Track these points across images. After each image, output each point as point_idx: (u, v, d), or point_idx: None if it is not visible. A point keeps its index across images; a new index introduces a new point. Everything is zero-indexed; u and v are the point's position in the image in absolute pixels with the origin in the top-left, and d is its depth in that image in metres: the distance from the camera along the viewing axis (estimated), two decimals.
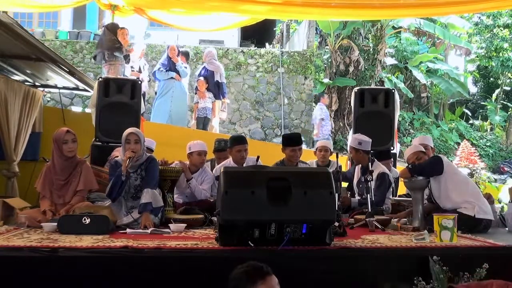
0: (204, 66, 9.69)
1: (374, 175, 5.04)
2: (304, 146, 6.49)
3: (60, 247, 3.26)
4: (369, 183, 4.66)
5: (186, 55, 9.74)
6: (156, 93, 9.53)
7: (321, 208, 3.39)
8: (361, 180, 5.33)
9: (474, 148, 11.37)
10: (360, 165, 5.45)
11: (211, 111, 9.44)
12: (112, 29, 8.58)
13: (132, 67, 9.02)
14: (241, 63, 12.95)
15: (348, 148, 5.65)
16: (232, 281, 2.44)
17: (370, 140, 5.42)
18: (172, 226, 4.10)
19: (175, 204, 4.87)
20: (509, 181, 11.93)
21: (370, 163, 4.95)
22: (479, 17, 17.31)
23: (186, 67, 9.25)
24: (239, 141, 5.42)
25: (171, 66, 9.10)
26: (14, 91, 6.15)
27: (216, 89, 9.53)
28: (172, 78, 9.03)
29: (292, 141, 5.44)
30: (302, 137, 5.85)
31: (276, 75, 12.98)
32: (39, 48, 5.59)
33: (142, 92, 8.50)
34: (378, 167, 5.28)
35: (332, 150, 6.22)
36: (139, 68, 9.17)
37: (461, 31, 16.18)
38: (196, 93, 9.46)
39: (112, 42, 8.41)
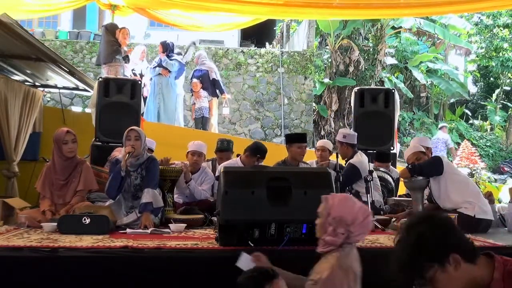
0: (195, 69, 9.68)
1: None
2: None
3: (60, 247, 3.26)
4: (369, 183, 4.67)
5: (164, 46, 9.36)
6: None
7: None
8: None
9: (475, 148, 11.39)
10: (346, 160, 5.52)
11: (208, 110, 9.42)
12: (111, 29, 8.55)
13: (133, 69, 9.01)
14: (241, 63, 12.95)
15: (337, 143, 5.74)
16: (240, 287, 2.45)
17: (356, 134, 5.58)
18: (172, 226, 4.10)
19: (175, 204, 4.87)
20: (509, 181, 11.93)
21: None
22: (479, 17, 17.32)
23: (173, 59, 9.15)
24: (258, 154, 5.33)
25: (159, 62, 9.08)
26: (14, 91, 6.15)
27: (213, 87, 9.51)
28: (160, 74, 8.98)
29: (298, 138, 5.48)
30: None
31: (276, 75, 12.98)
32: (39, 48, 5.59)
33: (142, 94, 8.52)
34: (355, 158, 5.36)
35: (331, 150, 6.22)
36: (141, 71, 9.13)
37: (461, 32, 16.17)
38: (192, 95, 9.46)
39: (111, 44, 8.38)
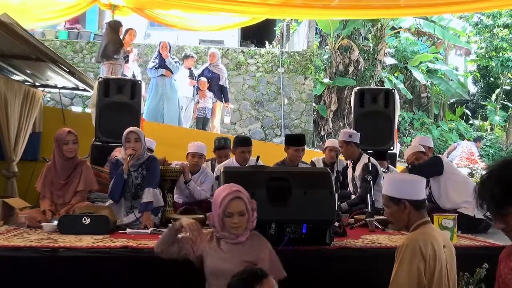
0: (207, 67, 9.65)
1: (360, 166, 5.07)
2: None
3: (60, 247, 3.26)
4: (369, 183, 4.66)
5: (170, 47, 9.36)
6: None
7: (321, 208, 3.40)
8: (354, 176, 5.34)
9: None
10: (350, 160, 5.47)
11: (210, 111, 9.42)
12: (115, 26, 8.47)
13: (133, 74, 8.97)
14: (241, 63, 12.95)
15: (338, 144, 5.62)
16: None
17: (359, 133, 5.49)
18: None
19: (175, 204, 4.87)
20: None
21: (368, 160, 4.94)
22: (479, 17, 17.32)
23: (177, 62, 9.15)
24: (243, 142, 5.37)
25: (161, 62, 8.94)
26: (14, 91, 6.14)
27: (219, 93, 9.53)
28: (162, 75, 8.89)
29: (296, 141, 5.42)
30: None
31: (276, 75, 12.98)
32: (39, 48, 5.58)
33: None
34: (364, 159, 5.28)
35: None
36: (133, 74, 9.05)
37: (461, 34, 16.14)
38: (197, 93, 9.44)
39: (117, 42, 8.31)
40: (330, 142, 6.30)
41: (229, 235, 2.82)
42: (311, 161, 6.23)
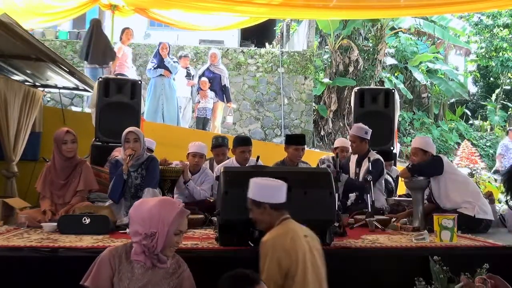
0: (208, 68, 9.65)
1: (366, 161, 5.08)
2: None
3: (60, 247, 3.26)
4: (369, 183, 4.66)
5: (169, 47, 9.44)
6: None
7: (321, 208, 3.40)
8: (356, 171, 5.35)
9: (475, 148, 11.38)
10: (355, 156, 5.48)
11: (211, 112, 9.42)
12: (100, 25, 8.42)
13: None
14: (241, 63, 12.95)
15: (350, 138, 5.55)
16: None
17: (371, 130, 5.48)
18: None
19: None
20: None
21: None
22: (479, 17, 17.32)
23: (175, 62, 9.15)
24: (243, 142, 5.37)
25: (160, 63, 8.92)
26: (14, 91, 6.14)
27: (221, 93, 9.54)
28: (161, 75, 8.88)
29: (296, 140, 5.43)
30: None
31: (276, 75, 12.98)
32: (39, 48, 5.58)
33: None
34: (374, 155, 5.29)
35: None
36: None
37: (461, 34, 16.14)
38: (198, 93, 9.44)
39: (109, 46, 8.30)
40: (341, 142, 6.24)
41: (160, 257, 2.53)
42: (322, 159, 6.14)
